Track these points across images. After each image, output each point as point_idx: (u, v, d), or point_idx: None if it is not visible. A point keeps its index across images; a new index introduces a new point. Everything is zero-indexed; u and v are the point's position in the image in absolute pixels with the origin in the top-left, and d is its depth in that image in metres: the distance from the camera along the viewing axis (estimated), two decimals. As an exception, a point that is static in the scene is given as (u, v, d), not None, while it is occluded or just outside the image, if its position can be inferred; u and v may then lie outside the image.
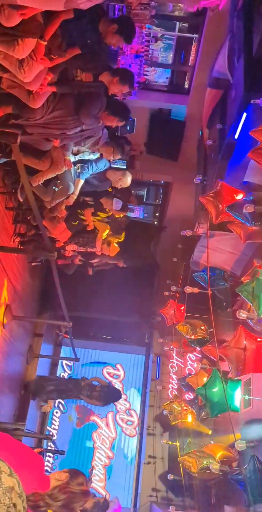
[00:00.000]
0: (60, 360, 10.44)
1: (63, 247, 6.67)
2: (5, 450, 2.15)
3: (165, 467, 8.81)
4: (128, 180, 5.85)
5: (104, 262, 7.73)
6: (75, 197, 5.49)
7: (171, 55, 7.71)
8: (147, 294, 9.34)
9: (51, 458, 9.68)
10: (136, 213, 12.88)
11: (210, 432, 6.74)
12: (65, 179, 5.14)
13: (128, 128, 7.33)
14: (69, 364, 10.57)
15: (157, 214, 11.33)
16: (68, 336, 8.52)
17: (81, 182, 5.40)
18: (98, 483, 9.70)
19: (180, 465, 6.05)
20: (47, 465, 9.50)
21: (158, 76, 8.19)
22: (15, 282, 6.85)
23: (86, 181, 5.55)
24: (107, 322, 10.73)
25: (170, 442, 8.14)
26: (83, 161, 5.37)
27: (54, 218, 5.87)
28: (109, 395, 8.18)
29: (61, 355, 10.43)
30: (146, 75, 7.80)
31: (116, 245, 6.90)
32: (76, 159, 5.17)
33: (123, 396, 10.36)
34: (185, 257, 7.06)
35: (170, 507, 5.85)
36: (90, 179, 5.71)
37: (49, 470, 9.20)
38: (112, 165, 6.94)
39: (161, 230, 9.55)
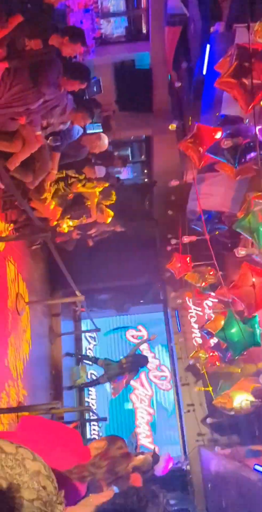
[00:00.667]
0: (83, 334, 10.63)
1: (58, 225, 6.59)
2: (38, 432, 2.20)
3: (205, 411, 9.07)
4: (104, 142, 5.65)
5: (102, 230, 7.67)
6: (56, 172, 5.35)
7: (122, 2, 7.28)
8: (151, 253, 9.31)
9: (96, 427, 10.04)
10: (125, 174, 12.66)
11: (239, 371, 6.86)
12: (41, 156, 4.99)
13: (94, 89, 7.03)
14: (92, 335, 10.76)
15: (145, 171, 11.11)
16: (85, 310, 8.60)
17: (58, 155, 5.24)
18: (145, 439, 10.08)
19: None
20: (94, 434, 9.88)
21: (115, 27, 7.77)
22: (19, 269, 6.85)
23: (63, 153, 5.39)
24: (120, 288, 10.81)
25: (202, 388, 8.34)
26: (55, 133, 5.18)
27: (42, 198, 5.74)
28: (137, 363, 8.29)
29: (82, 328, 10.60)
30: (100, 28, 7.40)
31: (109, 210, 6.83)
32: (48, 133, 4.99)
33: (150, 354, 10.61)
34: (180, 208, 6.95)
35: (216, 448, 6.05)
36: (67, 150, 5.53)
37: (97, 437, 9.58)
38: (88, 131, 6.72)
39: (152, 185, 9.38)
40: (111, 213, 6.49)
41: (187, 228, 6.22)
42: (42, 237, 5.81)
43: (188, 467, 8.87)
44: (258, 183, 3.45)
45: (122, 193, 8.55)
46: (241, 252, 3.21)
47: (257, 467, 3.95)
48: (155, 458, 7.52)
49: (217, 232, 5.80)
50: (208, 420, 7.19)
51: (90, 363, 9.79)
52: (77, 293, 7.20)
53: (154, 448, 9.39)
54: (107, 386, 9.41)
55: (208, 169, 7.02)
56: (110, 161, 7.29)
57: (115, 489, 2.19)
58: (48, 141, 4.98)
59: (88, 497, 1.49)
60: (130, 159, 12.10)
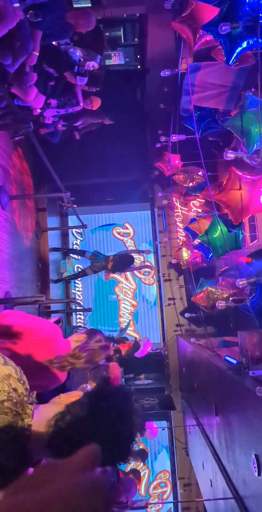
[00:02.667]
0: (69, 230, 10.72)
1: (41, 114, 6.21)
2: (19, 325, 2.31)
3: (185, 305, 9.62)
4: (91, 20, 5.09)
5: (89, 122, 7.27)
6: (37, 54, 4.87)
7: None
8: (140, 149, 8.98)
9: (82, 316, 10.65)
10: (116, 59, 11.64)
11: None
12: (21, 34, 4.48)
13: None
14: (79, 231, 10.87)
15: (138, 57, 10.20)
16: (70, 206, 8.53)
17: (40, 33, 4.72)
18: (128, 328, 10.80)
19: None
20: (79, 322, 10.52)
21: None
22: (3, 162, 6.61)
23: (46, 34, 4.85)
24: (108, 184, 10.66)
25: (183, 287, 8.72)
26: (35, 7, 4.60)
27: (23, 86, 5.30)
28: (123, 263, 8.46)
29: (69, 224, 10.66)
30: None
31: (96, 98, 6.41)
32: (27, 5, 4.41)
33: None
34: (172, 101, 6.53)
35: (191, 338, 6.50)
36: (49, 26, 4.96)
37: (83, 326, 10.22)
38: (75, 5, 6.01)
39: (145, 74, 8.69)
40: (99, 100, 6.09)
41: (178, 125, 5.92)
42: (24, 128, 5.48)
43: (166, 352, 9.67)
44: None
45: (112, 81, 7.94)
46: (229, 155, 3.08)
47: (227, 358, 4.30)
48: (136, 345, 8.18)
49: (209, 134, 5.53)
50: (186, 315, 7.64)
51: (77, 257, 10.00)
52: (62, 188, 7.08)
53: (136, 337, 10.17)
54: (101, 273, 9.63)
55: (204, 57, 6.50)
56: (99, 43, 6.65)
57: (89, 388, 2.38)
58: (28, 16, 4.43)
59: (58, 396, 1.59)
60: (122, 41, 11.07)
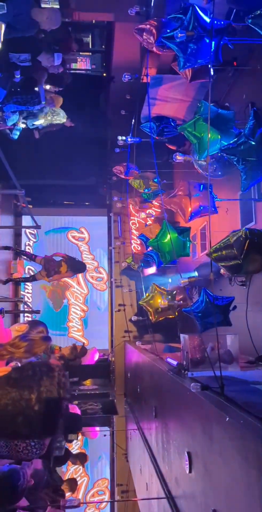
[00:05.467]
0: (22, 230, 10.51)
1: (1, 109, 6.11)
2: None
3: (135, 311, 9.71)
4: (56, 18, 5.12)
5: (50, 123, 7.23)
6: (1, 46, 4.82)
7: None
8: (100, 154, 9.05)
9: (30, 318, 10.41)
10: (83, 64, 11.71)
11: (170, 280, 7.25)
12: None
13: None
14: (33, 232, 10.68)
15: (104, 64, 10.34)
16: (25, 206, 8.36)
17: (3, 26, 4.69)
18: (76, 333, 10.69)
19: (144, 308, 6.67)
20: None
21: None
22: None
23: (9, 25, 4.82)
24: (65, 187, 10.60)
25: (132, 290, 8.82)
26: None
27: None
28: (75, 268, 8.35)
29: (23, 224, 10.45)
30: None
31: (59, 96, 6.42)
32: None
33: (90, 256, 10.86)
34: (134, 108, 6.66)
35: (137, 342, 6.57)
36: (13, 20, 4.93)
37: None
38: (43, 5, 6.00)
39: (109, 81, 8.81)
40: (61, 99, 6.09)
41: (137, 131, 6.05)
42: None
43: (113, 358, 9.68)
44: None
45: (77, 84, 7.96)
46: (178, 158, 3.20)
47: (169, 360, 4.39)
48: (83, 350, 8.12)
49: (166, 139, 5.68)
50: (133, 318, 7.73)
51: (28, 260, 9.79)
52: (17, 185, 6.94)
53: (84, 342, 10.10)
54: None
55: (168, 70, 6.71)
56: (66, 43, 6.66)
57: (18, 364, 2.36)
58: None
59: None
60: (90, 46, 11.16)
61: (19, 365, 2.28)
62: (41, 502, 3.77)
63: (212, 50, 3.16)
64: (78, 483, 8.32)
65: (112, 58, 8.44)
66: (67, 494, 5.74)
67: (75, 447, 7.98)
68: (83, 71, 11.26)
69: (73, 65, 11.10)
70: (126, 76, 4.84)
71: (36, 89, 6.22)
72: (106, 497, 9.32)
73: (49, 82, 6.09)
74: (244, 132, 3.17)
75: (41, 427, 1.55)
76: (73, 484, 6.23)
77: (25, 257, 9.73)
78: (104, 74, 10.31)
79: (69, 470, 8.31)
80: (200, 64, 3.33)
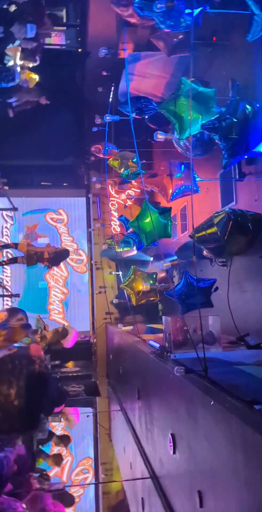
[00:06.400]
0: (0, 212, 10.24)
1: None
2: None
3: (116, 293, 9.67)
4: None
5: (25, 100, 6.96)
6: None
7: None
8: (78, 133, 8.82)
9: (9, 302, 10.23)
10: (57, 39, 11.28)
11: (151, 259, 7.21)
12: None
13: None
14: (10, 214, 10.41)
15: (79, 39, 9.98)
16: (1, 186, 8.10)
17: None
18: (57, 316, 10.61)
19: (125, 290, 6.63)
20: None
21: None
22: None
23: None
24: (43, 168, 10.33)
25: (113, 272, 8.76)
26: None
27: None
28: (59, 258, 8.10)
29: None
30: None
31: (34, 76, 6.16)
32: None
33: (69, 238, 10.71)
34: (110, 85, 6.47)
35: (118, 324, 6.55)
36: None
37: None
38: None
39: (85, 56, 8.53)
40: (35, 76, 5.85)
41: (115, 110, 5.88)
42: None
43: (94, 340, 9.66)
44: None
45: (51, 60, 7.68)
46: (159, 136, 3.11)
47: (151, 342, 4.38)
48: (64, 332, 8.02)
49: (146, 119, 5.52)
50: (114, 301, 7.69)
51: (11, 251, 9.49)
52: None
53: (65, 324, 10.02)
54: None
55: (145, 46, 6.52)
56: (39, 15, 6.37)
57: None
58: None
59: None
60: (64, 20, 10.74)
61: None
62: (26, 486, 3.75)
63: (193, 16, 3.03)
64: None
65: (87, 32, 8.15)
66: (54, 469, 5.79)
67: (59, 429, 8.00)
68: (58, 47, 10.87)
69: (47, 40, 10.69)
70: (103, 51, 4.66)
71: (10, 63, 5.96)
72: (91, 475, 9.43)
73: (23, 57, 5.82)
74: (225, 109, 3.10)
75: (21, 422, 1.49)
76: (58, 459, 6.28)
77: (9, 251, 9.43)
78: (80, 50, 9.97)
79: (53, 451, 8.32)
80: (180, 30, 3.20)
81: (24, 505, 3.25)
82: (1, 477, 2.66)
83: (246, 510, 1.82)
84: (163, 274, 5.41)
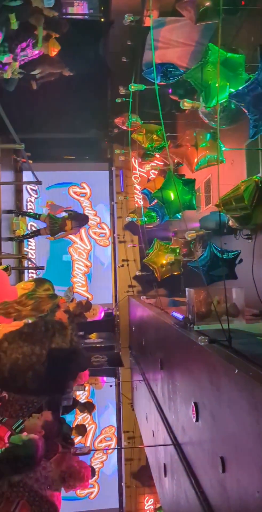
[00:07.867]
0: (24, 186, 10.35)
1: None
2: None
3: (138, 267, 9.73)
4: None
5: (48, 72, 6.91)
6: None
7: None
8: (101, 105, 8.72)
9: (34, 275, 10.46)
10: (79, 9, 11.06)
11: (174, 233, 7.17)
12: None
13: None
14: (34, 188, 10.52)
15: (102, 8, 9.73)
16: (26, 161, 8.16)
17: None
18: (80, 288, 10.79)
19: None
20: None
21: None
22: None
23: None
24: (65, 141, 10.31)
25: (136, 246, 8.79)
26: None
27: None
28: (79, 222, 8.21)
29: (24, 180, 10.27)
30: None
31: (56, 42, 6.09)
32: None
33: (92, 212, 10.76)
34: (135, 55, 6.33)
35: (141, 296, 6.61)
36: None
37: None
38: None
39: (109, 26, 8.34)
40: (58, 46, 5.79)
41: (140, 79, 5.77)
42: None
43: (117, 312, 9.81)
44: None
45: (74, 31, 7.52)
46: (185, 104, 3.04)
47: (174, 314, 4.42)
48: (87, 305, 8.20)
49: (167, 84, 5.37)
50: (137, 273, 7.74)
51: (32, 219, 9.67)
52: (17, 139, 6.74)
53: (88, 297, 10.19)
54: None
55: (170, 13, 6.32)
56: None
57: (28, 320, 2.36)
58: None
59: None
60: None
61: (28, 320, 2.28)
62: (53, 448, 3.92)
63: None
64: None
65: (110, 1, 7.94)
66: (78, 439, 6.00)
67: (82, 397, 8.26)
68: (80, 16, 10.66)
69: (70, 9, 10.50)
70: (128, 18, 4.54)
71: (36, 32, 5.90)
72: (113, 443, 9.76)
73: (45, 27, 5.76)
74: (255, 77, 2.99)
75: (49, 384, 1.54)
76: (82, 429, 6.51)
77: (29, 217, 9.62)
78: (102, 19, 9.74)
79: (78, 419, 8.63)
80: None
81: (51, 463, 3.42)
82: (35, 458, 2.81)
83: (269, 473, 1.86)
84: (186, 248, 5.39)
